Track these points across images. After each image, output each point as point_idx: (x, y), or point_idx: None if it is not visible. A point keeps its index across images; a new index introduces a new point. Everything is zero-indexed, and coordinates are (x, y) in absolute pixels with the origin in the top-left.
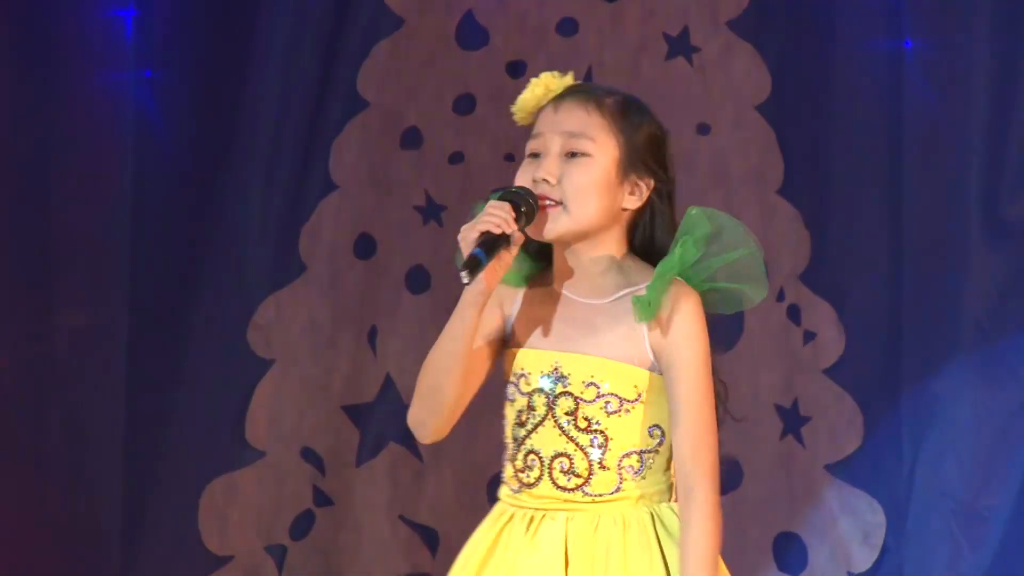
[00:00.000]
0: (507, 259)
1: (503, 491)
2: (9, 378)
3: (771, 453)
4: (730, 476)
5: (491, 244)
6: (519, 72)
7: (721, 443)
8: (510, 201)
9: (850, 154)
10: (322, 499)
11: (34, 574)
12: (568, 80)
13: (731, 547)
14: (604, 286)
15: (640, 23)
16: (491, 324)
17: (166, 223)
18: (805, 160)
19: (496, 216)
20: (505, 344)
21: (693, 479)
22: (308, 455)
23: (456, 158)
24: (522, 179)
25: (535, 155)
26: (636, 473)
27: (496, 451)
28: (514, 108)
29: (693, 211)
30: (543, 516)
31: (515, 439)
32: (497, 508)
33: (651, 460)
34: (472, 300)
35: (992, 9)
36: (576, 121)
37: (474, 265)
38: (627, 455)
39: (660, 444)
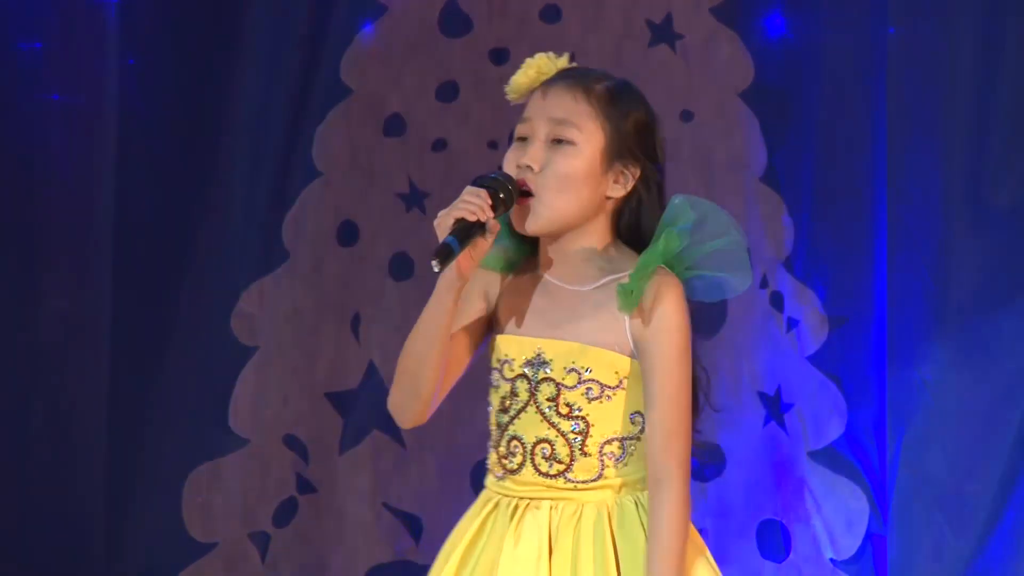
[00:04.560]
0: (483, 246)
1: (489, 479)
2: None
3: (754, 440)
4: (713, 463)
5: (465, 232)
6: (502, 59)
7: (700, 431)
8: (487, 187)
9: (833, 141)
10: (305, 486)
11: (17, 560)
12: (562, 63)
13: (714, 534)
14: (587, 273)
15: (623, 10)
16: (472, 311)
17: (150, 210)
18: (788, 147)
19: (471, 203)
20: (490, 331)
21: (663, 470)
22: (291, 442)
23: (439, 145)
24: (508, 163)
25: (522, 139)
26: (618, 460)
27: (479, 438)
28: (508, 88)
29: (677, 200)
30: (527, 505)
31: (499, 425)
32: (483, 496)
33: (632, 447)
34: (448, 286)
35: None
36: (563, 108)
37: (446, 254)
38: (608, 442)
39: (642, 431)
